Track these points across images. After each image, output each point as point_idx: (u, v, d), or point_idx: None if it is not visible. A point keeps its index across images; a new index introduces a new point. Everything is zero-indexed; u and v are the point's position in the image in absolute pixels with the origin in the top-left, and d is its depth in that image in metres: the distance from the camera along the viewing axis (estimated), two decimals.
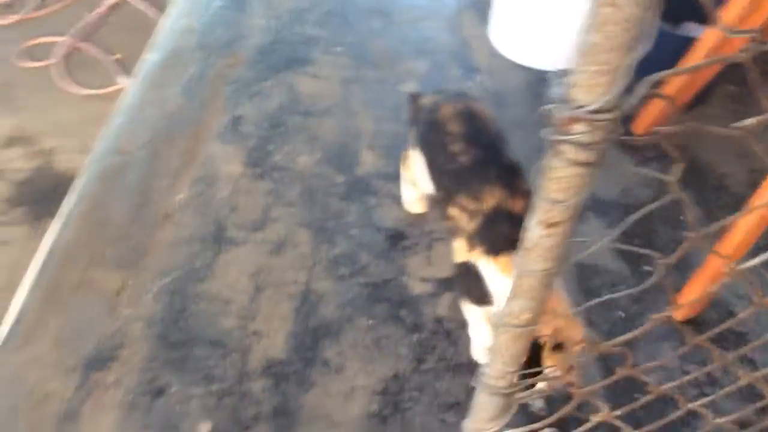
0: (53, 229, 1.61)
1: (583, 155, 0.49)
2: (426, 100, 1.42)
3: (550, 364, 1.00)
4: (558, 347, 1.02)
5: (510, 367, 0.69)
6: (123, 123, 1.77)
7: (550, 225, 0.55)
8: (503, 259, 1.17)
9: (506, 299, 0.63)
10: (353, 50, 2.00)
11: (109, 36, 3.47)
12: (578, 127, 0.48)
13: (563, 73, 0.48)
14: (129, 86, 2.73)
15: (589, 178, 0.52)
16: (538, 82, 1.98)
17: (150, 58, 1.82)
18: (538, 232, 0.56)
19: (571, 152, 0.49)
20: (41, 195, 3.20)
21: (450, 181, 1.29)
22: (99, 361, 1.41)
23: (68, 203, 1.65)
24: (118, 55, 3.40)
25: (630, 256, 1.60)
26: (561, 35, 1.94)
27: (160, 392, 1.38)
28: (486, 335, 1.38)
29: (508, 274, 1.17)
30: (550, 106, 0.48)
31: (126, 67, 3.42)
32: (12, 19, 3.46)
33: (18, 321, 1.48)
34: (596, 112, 0.47)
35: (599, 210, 1.70)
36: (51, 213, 3.24)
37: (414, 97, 1.48)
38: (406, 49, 2.02)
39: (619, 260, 1.60)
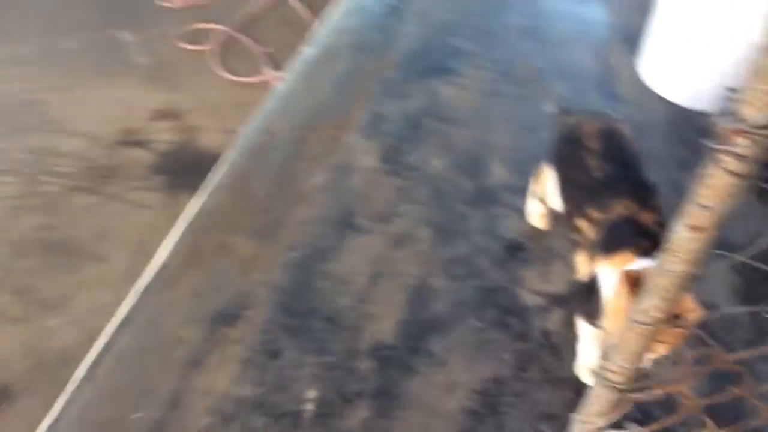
0: (201, 195, 1.77)
1: (739, 167, 0.54)
2: (570, 118, 1.48)
3: (663, 339, 1.00)
4: (673, 320, 1.02)
5: (629, 364, 0.74)
6: (275, 107, 1.92)
7: (696, 229, 0.59)
8: (618, 258, 1.20)
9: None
10: (498, 66, 2.07)
11: (263, 30, 3.70)
12: (740, 140, 0.52)
13: (733, 90, 0.53)
14: (284, 75, 2.90)
15: (739, 190, 0.56)
16: (681, 118, 1.98)
17: (307, 52, 1.97)
18: (683, 235, 0.60)
19: (728, 162, 0.54)
20: (181, 167, 3.44)
21: (582, 194, 1.34)
22: (227, 317, 1.54)
23: (217, 174, 1.80)
24: (269, 49, 3.62)
25: (749, 300, 1.57)
26: (713, 76, 1.93)
27: (275, 355, 1.49)
28: (593, 355, 1.41)
29: (618, 269, 1.19)
30: (717, 117, 0.53)
31: (274, 60, 3.63)
32: (179, 3, 3.76)
33: (161, 271, 1.64)
34: (760, 128, 0.51)
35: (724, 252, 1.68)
36: (187, 185, 3.48)
37: (560, 114, 1.54)
38: (551, 71, 2.07)
39: (738, 303, 1.58)
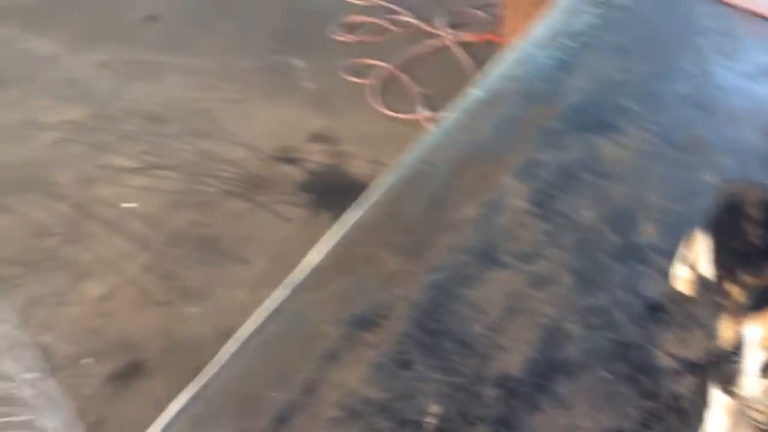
0: (357, 209, 1.89)
1: None
2: (732, 187, 1.50)
3: None
4: None
5: None
6: (436, 140, 2.04)
7: None
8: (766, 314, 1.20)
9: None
10: (662, 130, 2.09)
11: (423, 72, 3.91)
12: None
13: None
14: (437, 116, 3.02)
15: None
16: None
17: (473, 93, 2.08)
18: None
19: None
20: (327, 189, 3.66)
21: (737, 260, 1.34)
22: (365, 322, 1.64)
23: (374, 192, 1.93)
24: (426, 90, 3.81)
25: None
26: None
27: (405, 365, 1.56)
28: (722, 426, 1.38)
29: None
30: None
31: (430, 101, 3.81)
32: (350, 38, 4.04)
33: (315, 271, 1.76)
34: None
35: None
36: (330, 206, 3.69)
37: (723, 183, 1.56)
38: (716, 142, 2.07)
39: None
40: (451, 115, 2.08)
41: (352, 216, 1.89)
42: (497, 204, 1.88)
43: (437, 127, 2.09)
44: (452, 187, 1.92)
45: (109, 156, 3.70)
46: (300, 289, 1.73)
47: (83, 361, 3.17)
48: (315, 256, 1.82)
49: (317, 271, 1.76)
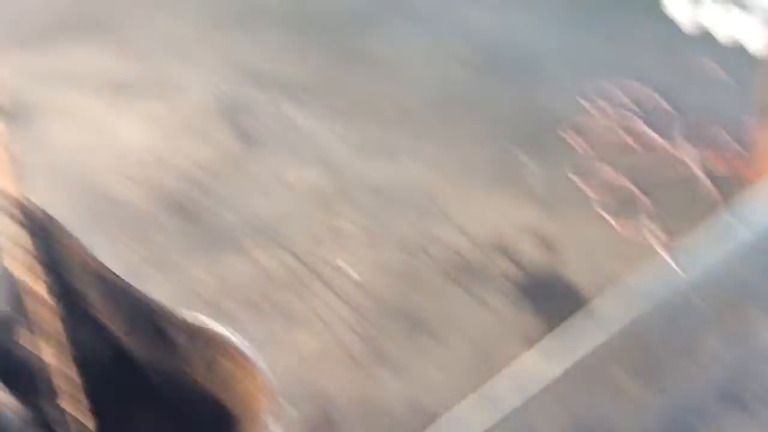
0: (597, 326, 1.87)
1: None
2: None
3: None
4: None
5: None
6: (690, 269, 1.98)
7: None
8: None
9: None
10: None
11: (657, 189, 3.78)
12: None
13: None
14: (666, 239, 2.93)
15: None
16: None
17: (733, 226, 2.02)
18: None
19: None
20: (539, 288, 3.65)
21: None
22: None
23: (614, 310, 1.90)
24: (658, 209, 3.70)
25: None
26: None
27: None
28: None
29: None
30: None
31: (661, 222, 3.69)
32: (583, 142, 4.06)
33: (547, 382, 1.74)
34: None
35: None
36: (539, 305, 3.66)
37: None
38: None
39: None
40: (703, 245, 2.02)
41: (590, 331, 1.87)
42: (753, 349, 1.78)
43: (687, 254, 2.03)
44: (706, 323, 1.84)
45: (339, 221, 3.98)
46: (530, 397, 1.73)
47: (283, 406, 3.33)
48: (544, 363, 1.82)
49: (551, 383, 1.75)
